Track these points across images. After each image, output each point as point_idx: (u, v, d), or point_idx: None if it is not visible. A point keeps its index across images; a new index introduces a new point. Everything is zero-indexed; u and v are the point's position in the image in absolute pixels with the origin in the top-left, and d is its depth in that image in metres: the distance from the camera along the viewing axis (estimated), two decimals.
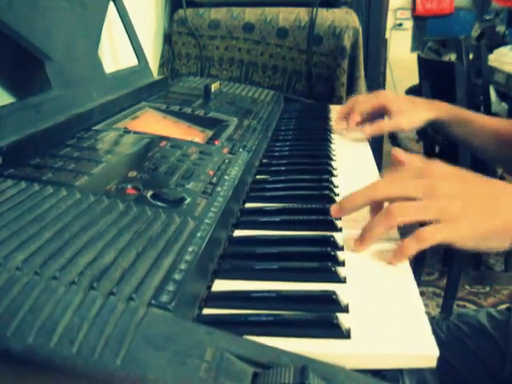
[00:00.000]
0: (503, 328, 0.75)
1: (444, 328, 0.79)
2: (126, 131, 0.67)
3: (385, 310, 0.40)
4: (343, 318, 0.38)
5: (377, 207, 0.52)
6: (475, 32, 3.18)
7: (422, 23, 3.91)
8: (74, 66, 0.70)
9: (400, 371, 0.36)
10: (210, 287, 0.44)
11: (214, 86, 0.99)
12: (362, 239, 0.49)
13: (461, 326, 0.78)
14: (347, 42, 1.19)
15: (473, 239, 0.48)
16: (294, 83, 1.27)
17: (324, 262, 0.46)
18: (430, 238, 0.46)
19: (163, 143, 0.63)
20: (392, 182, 0.51)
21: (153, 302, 0.33)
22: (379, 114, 0.92)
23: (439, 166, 0.53)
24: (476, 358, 0.74)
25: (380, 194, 0.51)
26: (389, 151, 0.69)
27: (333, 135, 0.92)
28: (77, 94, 0.69)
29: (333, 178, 0.68)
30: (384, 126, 0.90)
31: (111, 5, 0.90)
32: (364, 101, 0.92)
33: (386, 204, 0.52)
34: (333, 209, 0.53)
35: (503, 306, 1.80)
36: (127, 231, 0.41)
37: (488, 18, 3.30)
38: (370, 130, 0.88)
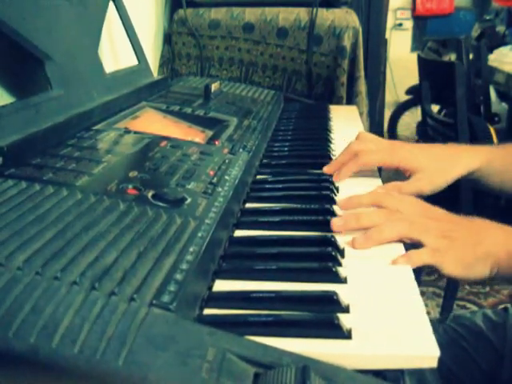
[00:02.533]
0: (500, 329, 0.75)
1: (440, 330, 0.79)
2: (127, 131, 0.67)
3: (386, 311, 0.40)
4: (344, 319, 0.38)
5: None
6: (475, 32, 3.18)
7: (422, 23, 3.92)
8: (74, 65, 0.70)
9: (401, 371, 0.36)
10: (210, 287, 0.44)
11: (214, 86, 0.99)
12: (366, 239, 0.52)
13: (457, 328, 0.78)
14: (347, 42, 1.19)
15: (458, 266, 0.52)
16: (293, 83, 1.27)
17: (324, 262, 0.46)
18: (418, 259, 0.50)
19: (163, 143, 0.63)
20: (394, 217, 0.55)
21: (154, 302, 0.33)
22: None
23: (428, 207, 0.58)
24: (473, 360, 0.74)
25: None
26: None
27: (333, 135, 0.92)
28: (77, 93, 0.69)
29: (333, 178, 0.68)
30: (403, 188, 0.66)
31: (111, 5, 0.90)
32: (372, 153, 0.69)
33: None
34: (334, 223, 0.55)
35: (503, 307, 1.80)
36: (128, 231, 0.41)
37: (488, 18, 3.31)
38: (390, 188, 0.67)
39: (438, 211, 0.58)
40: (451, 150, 0.72)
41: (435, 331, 0.77)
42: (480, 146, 0.73)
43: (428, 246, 0.52)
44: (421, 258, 0.50)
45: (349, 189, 0.66)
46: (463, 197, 1.47)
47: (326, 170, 0.71)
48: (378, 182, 0.70)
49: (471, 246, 0.53)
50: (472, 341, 0.75)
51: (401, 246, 0.51)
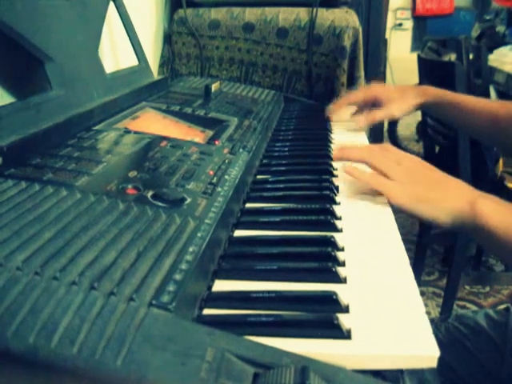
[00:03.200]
0: (501, 329, 0.75)
1: (442, 329, 0.79)
2: (127, 131, 0.67)
3: (385, 311, 0.40)
4: (344, 319, 0.38)
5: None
6: (475, 32, 3.18)
7: (422, 23, 3.92)
8: (74, 65, 0.70)
9: (400, 371, 0.37)
10: (210, 287, 0.44)
11: (214, 86, 0.99)
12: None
13: (459, 327, 0.78)
14: (347, 42, 1.19)
15: (405, 198, 0.59)
16: (293, 83, 1.27)
17: (324, 262, 0.46)
18: (374, 181, 0.62)
19: (163, 143, 0.63)
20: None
21: (153, 302, 0.33)
22: (371, 106, 0.96)
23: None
24: (474, 359, 0.74)
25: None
26: None
27: (333, 135, 0.92)
28: (77, 93, 0.69)
29: (333, 178, 0.68)
30: (376, 114, 0.93)
31: (111, 5, 0.90)
32: (355, 93, 0.98)
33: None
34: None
35: (503, 306, 1.80)
36: (128, 231, 0.41)
37: (488, 18, 3.30)
38: (364, 120, 0.93)
39: (426, 166, 0.66)
40: (412, 87, 0.99)
41: (437, 330, 0.78)
42: (437, 88, 0.95)
43: (387, 174, 0.62)
44: (370, 180, 0.63)
45: (348, 188, 0.66)
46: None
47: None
48: None
49: (430, 188, 0.60)
50: (474, 339, 0.76)
51: (401, 247, 0.51)
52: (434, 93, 0.93)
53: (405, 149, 3.11)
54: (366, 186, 0.63)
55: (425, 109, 0.96)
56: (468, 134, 1.33)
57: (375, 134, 0.97)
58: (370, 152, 0.67)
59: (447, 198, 0.59)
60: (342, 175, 0.71)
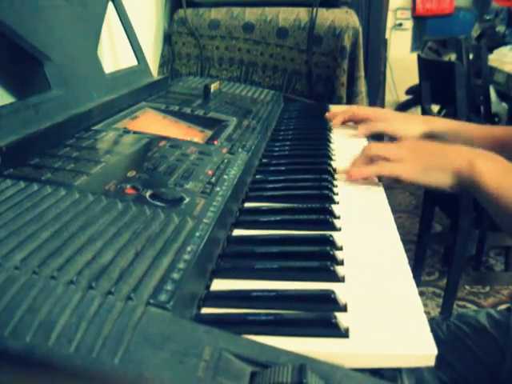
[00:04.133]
0: (503, 328, 0.75)
1: (444, 328, 0.79)
2: (126, 131, 0.67)
3: (383, 310, 0.40)
4: (342, 317, 0.38)
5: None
6: (475, 32, 3.18)
7: (421, 23, 3.91)
8: (73, 66, 0.70)
9: (398, 370, 0.36)
10: (208, 286, 0.44)
11: (214, 86, 0.99)
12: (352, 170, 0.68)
13: (461, 326, 0.78)
14: (347, 42, 1.19)
15: (415, 172, 0.64)
16: (293, 83, 1.27)
17: (323, 261, 0.46)
18: (382, 169, 0.66)
19: (162, 143, 0.63)
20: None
21: (151, 301, 0.33)
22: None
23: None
24: (476, 357, 0.74)
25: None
26: None
27: (333, 135, 0.92)
28: (76, 94, 0.69)
29: (332, 178, 0.68)
30: (379, 125, 0.92)
31: (110, 5, 0.90)
32: (361, 109, 0.98)
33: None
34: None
35: (503, 306, 1.80)
36: (126, 231, 0.41)
37: (488, 18, 3.30)
38: (364, 129, 0.92)
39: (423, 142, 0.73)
40: (418, 116, 1.07)
41: (439, 328, 0.79)
42: (443, 119, 0.98)
43: (391, 158, 0.66)
44: (371, 169, 0.67)
45: (348, 188, 0.66)
46: None
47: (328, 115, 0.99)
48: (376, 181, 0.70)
49: (433, 157, 0.65)
50: (475, 338, 0.76)
51: (400, 246, 0.51)
52: (440, 123, 0.92)
53: None
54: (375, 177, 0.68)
55: (430, 138, 0.94)
56: None
57: (375, 134, 0.97)
58: (372, 151, 0.69)
59: (449, 160, 0.63)
60: (341, 175, 0.71)
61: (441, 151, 0.66)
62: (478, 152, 0.63)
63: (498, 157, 0.62)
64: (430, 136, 0.91)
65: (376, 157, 0.68)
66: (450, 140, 0.90)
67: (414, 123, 0.92)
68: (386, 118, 0.93)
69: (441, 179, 0.63)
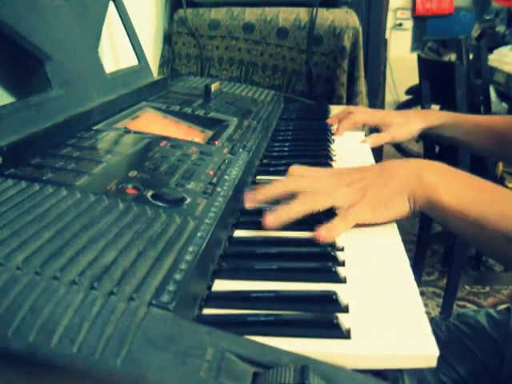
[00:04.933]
0: (502, 328, 0.75)
1: (443, 328, 0.79)
2: (126, 131, 0.67)
3: (385, 310, 0.40)
4: (343, 318, 0.38)
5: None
6: (475, 32, 3.18)
7: (421, 23, 3.92)
8: (74, 65, 0.70)
9: (400, 371, 0.36)
10: (210, 287, 0.44)
11: (214, 86, 0.99)
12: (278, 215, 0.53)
13: (460, 326, 0.78)
14: (347, 42, 1.19)
15: (376, 209, 0.54)
16: (293, 83, 1.27)
17: (324, 262, 0.46)
18: (336, 231, 0.52)
19: (163, 143, 0.63)
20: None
21: (153, 301, 0.33)
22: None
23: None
24: (475, 357, 0.74)
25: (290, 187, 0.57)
26: (389, 151, 0.72)
27: (333, 135, 0.92)
28: (77, 93, 0.69)
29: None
30: (383, 137, 0.93)
31: (111, 5, 0.90)
32: (360, 113, 0.97)
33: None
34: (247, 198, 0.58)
35: (503, 306, 1.80)
36: (127, 231, 0.41)
37: (488, 18, 3.30)
38: (371, 141, 0.91)
39: (348, 169, 0.62)
40: (414, 111, 1.01)
41: (438, 328, 0.79)
42: (439, 111, 0.99)
43: (341, 208, 0.54)
44: (337, 228, 0.52)
45: None
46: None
47: (329, 121, 0.98)
48: None
49: (383, 187, 0.55)
50: (475, 338, 0.76)
51: (401, 247, 0.51)
52: (437, 116, 0.93)
53: (405, 149, 3.11)
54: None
55: (428, 133, 0.96)
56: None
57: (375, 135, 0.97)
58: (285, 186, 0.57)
59: (397, 187, 0.55)
60: None
61: (388, 174, 0.56)
62: (423, 164, 0.57)
63: (442, 166, 0.57)
64: (428, 131, 0.94)
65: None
66: (447, 132, 0.93)
67: (411, 123, 0.93)
68: (384, 123, 0.94)
69: (400, 209, 0.55)
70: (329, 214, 0.56)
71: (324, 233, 0.51)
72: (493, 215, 0.50)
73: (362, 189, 0.55)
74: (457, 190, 0.54)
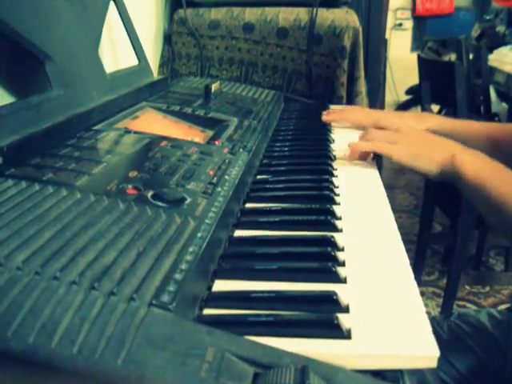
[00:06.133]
0: (504, 327, 0.75)
1: (445, 328, 0.79)
2: (127, 131, 0.67)
3: (385, 311, 0.40)
4: (344, 319, 0.38)
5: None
6: (475, 32, 3.18)
7: (421, 23, 3.91)
8: (74, 65, 0.70)
9: (400, 371, 0.36)
10: (210, 287, 0.44)
11: (214, 86, 0.99)
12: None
13: (462, 325, 0.78)
14: (347, 42, 1.19)
15: (405, 155, 0.71)
16: (293, 83, 1.27)
17: (324, 262, 0.46)
18: (377, 147, 0.73)
19: (163, 143, 0.63)
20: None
21: (153, 302, 0.33)
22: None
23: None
24: (477, 357, 0.74)
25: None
26: None
27: (333, 135, 0.92)
28: (77, 93, 0.69)
29: (333, 178, 0.68)
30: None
31: (111, 5, 0.90)
32: (355, 112, 1.01)
33: None
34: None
35: (503, 306, 1.80)
36: (128, 231, 0.41)
37: (488, 18, 3.30)
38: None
39: (419, 131, 0.80)
40: (412, 114, 1.03)
41: (439, 328, 0.79)
42: (437, 116, 1.05)
43: (387, 140, 0.73)
44: (372, 145, 0.74)
45: (347, 188, 0.66)
46: None
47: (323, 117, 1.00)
48: (376, 176, 0.71)
49: (423, 146, 0.72)
50: (476, 338, 0.76)
51: (401, 247, 0.51)
52: (434, 120, 0.93)
53: None
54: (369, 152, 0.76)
55: None
56: None
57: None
58: (372, 135, 0.77)
59: (436, 152, 0.70)
60: (342, 175, 0.71)
61: (431, 143, 0.73)
62: (462, 147, 0.70)
63: (478, 152, 0.68)
64: None
65: (374, 139, 0.75)
66: (444, 135, 0.93)
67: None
68: (379, 123, 0.93)
69: (426, 167, 0.70)
70: (332, 213, 0.56)
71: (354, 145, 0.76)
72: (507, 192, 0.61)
73: (410, 139, 0.74)
74: (478, 169, 0.65)
